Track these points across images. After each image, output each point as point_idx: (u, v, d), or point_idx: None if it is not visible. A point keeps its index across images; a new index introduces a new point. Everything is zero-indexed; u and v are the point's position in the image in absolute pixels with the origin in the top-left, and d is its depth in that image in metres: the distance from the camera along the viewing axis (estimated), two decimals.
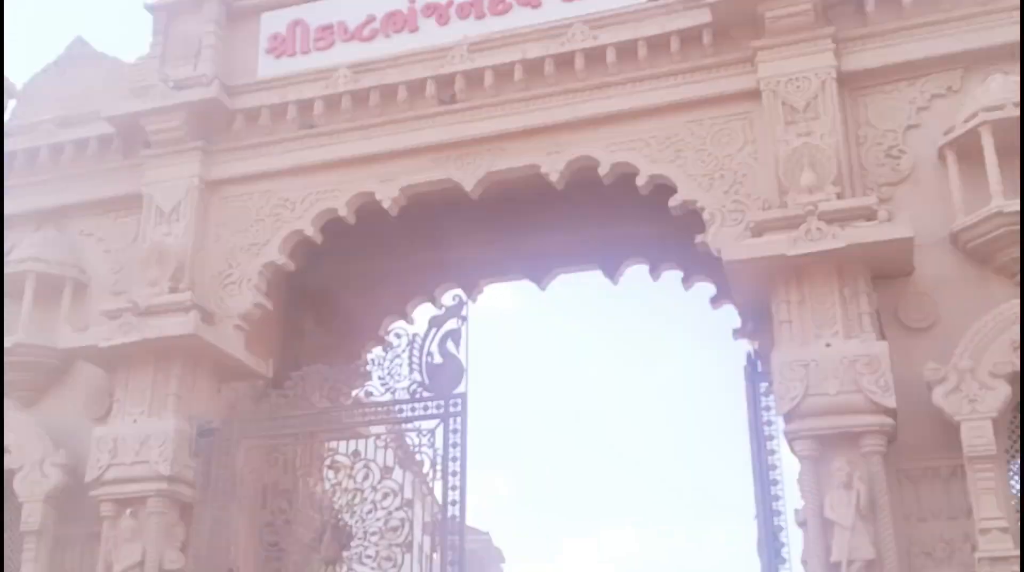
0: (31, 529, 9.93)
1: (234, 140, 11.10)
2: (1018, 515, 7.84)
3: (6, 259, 11.25)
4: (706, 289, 11.75)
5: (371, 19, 11.21)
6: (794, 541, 8.56)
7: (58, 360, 10.74)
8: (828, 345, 8.39)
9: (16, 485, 10.09)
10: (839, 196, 8.81)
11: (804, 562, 8.20)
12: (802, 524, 8.29)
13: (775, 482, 8.74)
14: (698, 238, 9.48)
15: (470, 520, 10.45)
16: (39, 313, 10.86)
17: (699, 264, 11.07)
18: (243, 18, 11.63)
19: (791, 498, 8.63)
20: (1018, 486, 8.24)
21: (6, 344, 10.65)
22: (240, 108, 11.04)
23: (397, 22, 11.10)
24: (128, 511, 9.66)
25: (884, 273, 8.70)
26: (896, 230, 8.42)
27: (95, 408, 10.53)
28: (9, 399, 10.63)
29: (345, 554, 9.62)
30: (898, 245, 8.46)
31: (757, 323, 9.58)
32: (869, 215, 8.56)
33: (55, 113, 11.78)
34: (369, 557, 9.44)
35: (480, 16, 10.86)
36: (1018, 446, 8.21)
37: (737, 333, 10.93)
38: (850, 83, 9.50)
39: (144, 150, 11.12)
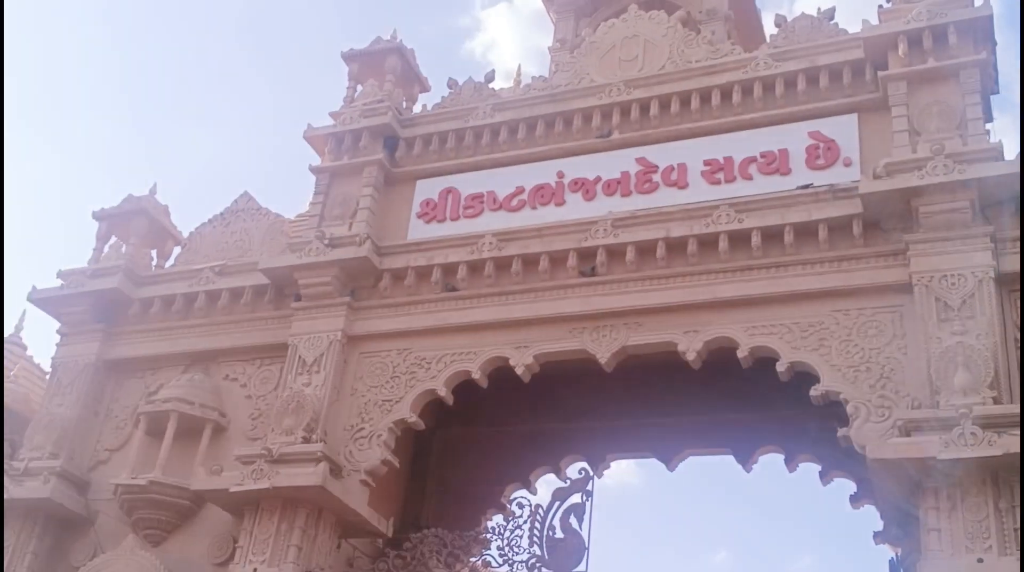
0: None
1: (379, 298, 11.42)
2: None
3: (152, 398, 11.68)
4: (846, 485, 11.18)
5: (520, 190, 11.56)
6: None
7: (190, 501, 10.93)
8: (980, 560, 7.82)
9: None
10: (995, 401, 8.36)
11: None
12: None
13: None
14: (840, 432, 9.10)
15: None
16: (177, 452, 11.14)
17: (839, 458, 10.59)
18: (399, 183, 12.18)
19: None
20: None
21: (142, 481, 10.91)
22: (388, 268, 11.40)
23: (545, 195, 11.41)
24: None
25: None
26: None
27: (218, 552, 10.62)
28: (137, 536, 10.82)
29: None
30: None
31: (901, 528, 9.04)
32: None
33: (215, 261, 12.41)
34: None
35: (626, 194, 11.07)
36: None
37: (878, 536, 10.29)
38: (1008, 283, 9.16)
39: (294, 302, 11.53)
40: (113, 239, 13.17)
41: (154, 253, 13.35)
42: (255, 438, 11.04)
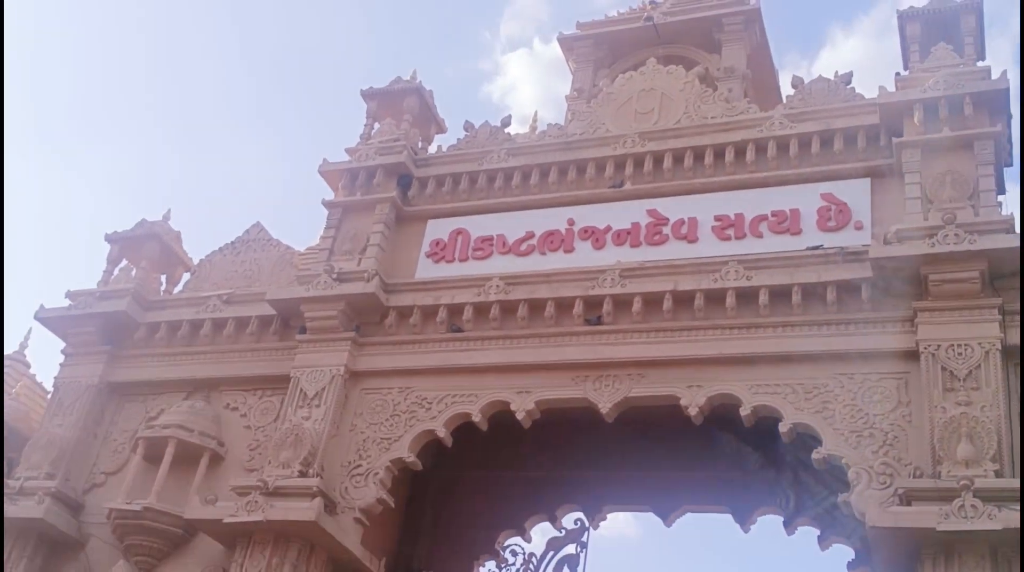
0: None
1: (383, 335, 11.42)
2: None
3: (152, 423, 11.65)
4: (844, 552, 11.07)
5: (530, 235, 11.59)
6: None
7: (183, 529, 10.87)
8: None
9: None
10: (997, 474, 8.30)
11: None
12: None
13: None
14: (841, 497, 9.04)
15: None
16: (173, 479, 11.10)
17: (838, 524, 10.51)
18: (410, 221, 12.23)
19: None
20: None
21: (136, 507, 10.85)
22: (394, 305, 11.41)
23: (554, 241, 11.44)
24: None
25: None
26: None
27: None
28: (128, 562, 10.75)
29: None
30: None
31: None
32: None
33: (224, 289, 12.45)
34: None
35: (636, 245, 11.09)
36: None
37: None
38: (1013, 356, 9.13)
39: (299, 335, 11.53)
40: (124, 262, 13.21)
41: (163, 278, 13.39)
42: (252, 469, 10.99)
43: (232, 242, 13.14)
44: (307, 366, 11.29)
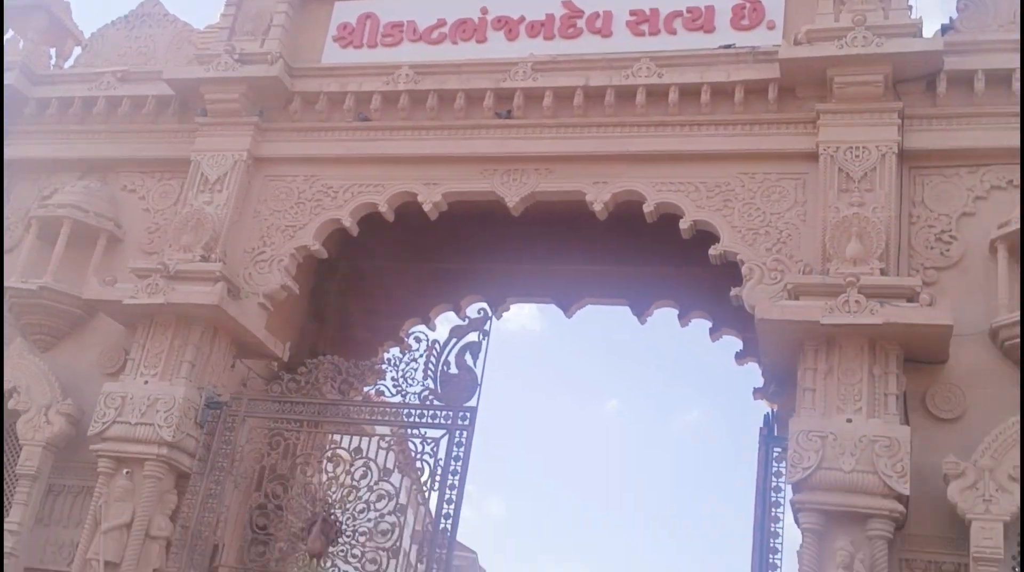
0: (27, 473, 9.93)
1: (288, 121, 11.12)
2: None
3: (46, 202, 11.31)
4: (733, 343, 11.66)
5: (441, 23, 11.21)
6: None
7: (81, 310, 10.76)
8: (849, 421, 8.26)
9: (19, 427, 10.11)
10: (883, 272, 8.69)
11: None
12: None
13: (775, 550, 8.57)
14: (733, 291, 9.37)
15: (460, 536, 10.34)
16: (69, 260, 10.89)
17: (729, 317, 10.99)
18: (316, 3, 11.66)
19: (789, 566, 8.49)
20: None
21: (32, 286, 10.69)
22: (299, 90, 11.06)
23: (466, 30, 11.10)
24: (125, 471, 9.65)
25: (917, 357, 8.57)
26: (936, 315, 8.28)
27: (109, 363, 10.56)
28: (25, 341, 10.67)
29: (331, 549, 9.52)
30: (936, 331, 8.32)
31: (780, 386, 9.47)
32: (911, 296, 8.44)
33: (117, 67, 11.85)
34: (355, 556, 9.36)
35: (549, 37, 10.83)
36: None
37: (758, 393, 10.81)
38: (910, 161, 9.41)
39: (199, 117, 11.16)
40: (10, 33, 12.43)
41: (53, 52, 12.66)
42: (151, 253, 10.84)
43: (126, 16, 12.40)
44: (208, 150, 10.99)
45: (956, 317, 8.33)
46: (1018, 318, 8.42)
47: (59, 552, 9.95)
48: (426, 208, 10.50)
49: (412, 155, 10.67)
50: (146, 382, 9.93)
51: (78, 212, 11.04)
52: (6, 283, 10.85)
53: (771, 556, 8.55)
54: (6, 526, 9.78)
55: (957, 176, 9.34)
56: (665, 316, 12.06)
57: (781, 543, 8.60)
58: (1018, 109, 9.15)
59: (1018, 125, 9.09)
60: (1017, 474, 7.82)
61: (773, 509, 8.71)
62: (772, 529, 8.65)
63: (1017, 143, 9.03)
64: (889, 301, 8.40)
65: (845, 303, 8.38)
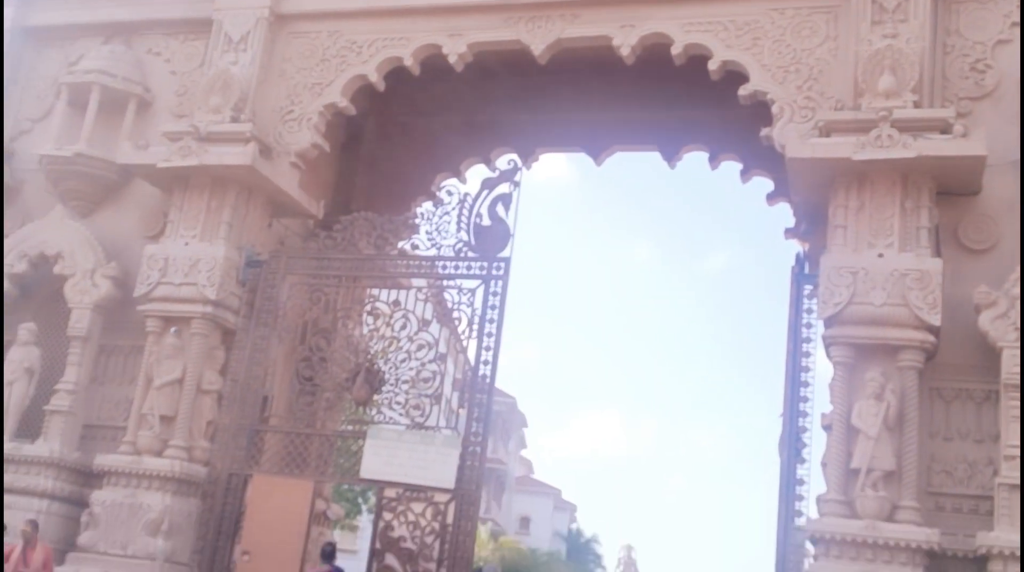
0: (77, 334, 10.28)
1: None
2: None
3: (74, 69, 11.31)
4: (764, 184, 11.61)
5: None
6: (816, 444, 8.67)
7: (116, 175, 10.90)
8: (881, 255, 8.31)
9: (67, 291, 10.41)
10: (916, 105, 8.55)
11: (824, 464, 8.32)
12: (827, 428, 8.38)
13: (806, 384, 8.81)
14: (763, 131, 9.29)
15: (499, 383, 10.64)
16: (101, 126, 10.97)
17: (760, 158, 10.91)
18: None
19: (818, 402, 8.72)
20: None
21: (67, 153, 10.81)
22: None
23: None
24: (172, 329, 9.98)
25: (950, 189, 8.53)
26: (970, 147, 8.19)
27: (149, 226, 10.76)
28: (65, 207, 10.86)
29: (376, 397, 9.88)
30: (969, 162, 8.26)
31: (811, 225, 9.49)
32: (944, 128, 8.33)
33: None
34: (399, 403, 9.70)
35: None
36: None
37: (789, 233, 10.82)
38: None
39: None
40: None
41: None
42: (181, 115, 10.89)
43: None
44: (229, 8, 10.87)
45: (989, 147, 8.24)
46: None
47: (116, 408, 10.41)
48: (451, 60, 10.38)
49: (435, 6, 10.48)
50: (186, 244, 10.13)
51: (106, 77, 11.04)
52: (42, 151, 10.97)
53: (802, 389, 8.78)
54: (61, 386, 10.20)
55: (992, 1, 9.05)
56: (695, 160, 12.01)
57: (812, 377, 8.83)
58: None
59: None
60: None
61: (804, 345, 8.90)
62: (803, 364, 8.85)
63: None
64: (922, 134, 8.30)
65: (877, 138, 8.30)
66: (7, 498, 9.72)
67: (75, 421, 10.19)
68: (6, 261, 10.62)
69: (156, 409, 9.79)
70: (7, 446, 9.97)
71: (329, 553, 9.26)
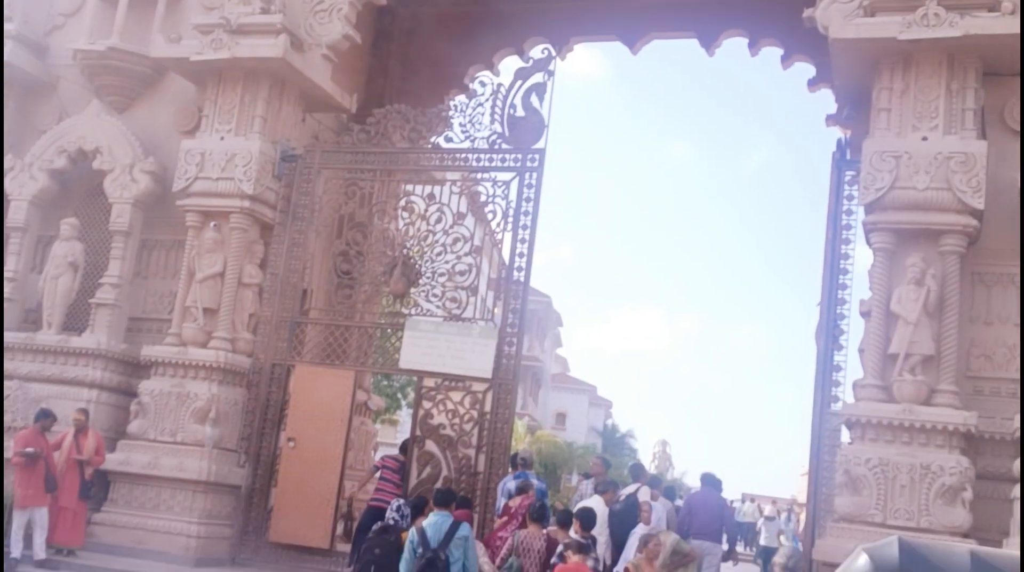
0: (119, 229, 10.40)
1: None
2: None
3: None
4: (805, 71, 11.32)
5: None
6: (853, 332, 8.65)
7: (150, 69, 10.86)
8: (925, 139, 8.15)
9: (107, 186, 10.48)
10: None
11: (861, 350, 8.32)
12: (865, 314, 8.36)
13: (844, 272, 8.74)
14: (806, 13, 9.00)
15: (534, 282, 10.62)
16: (133, 20, 10.89)
17: (802, 42, 10.63)
18: None
19: (857, 290, 8.67)
20: None
21: (100, 47, 10.74)
22: None
23: None
24: (212, 224, 10.06)
25: (997, 70, 8.30)
26: (1018, 24, 7.91)
27: (184, 121, 10.75)
28: (101, 102, 10.85)
29: (412, 290, 9.95)
30: (1018, 41, 7.98)
31: (853, 110, 9.30)
32: (992, 5, 8.05)
33: None
34: (435, 296, 9.76)
35: None
36: None
37: (831, 119, 10.61)
38: None
39: None
40: None
41: None
42: (211, 7, 10.73)
43: None
44: None
45: None
46: None
47: (160, 301, 10.58)
48: None
49: None
50: (222, 138, 10.13)
51: None
52: (75, 46, 10.91)
53: (841, 276, 8.72)
54: (106, 280, 10.36)
55: None
56: (734, 47, 11.73)
57: (852, 264, 8.76)
58: None
59: None
60: None
61: (844, 233, 8.80)
62: (843, 252, 8.77)
63: None
64: (969, 12, 8.04)
65: (923, 17, 8.05)
66: (57, 388, 10.00)
67: (121, 314, 10.39)
68: (44, 156, 10.70)
69: (199, 302, 9.96)
70: (55, 338, 10.21)
71: (524, 460, 10.04)
